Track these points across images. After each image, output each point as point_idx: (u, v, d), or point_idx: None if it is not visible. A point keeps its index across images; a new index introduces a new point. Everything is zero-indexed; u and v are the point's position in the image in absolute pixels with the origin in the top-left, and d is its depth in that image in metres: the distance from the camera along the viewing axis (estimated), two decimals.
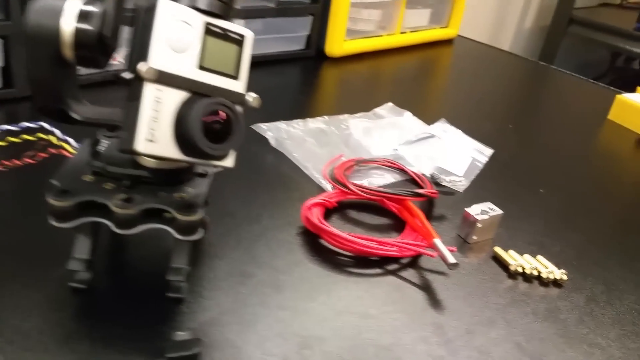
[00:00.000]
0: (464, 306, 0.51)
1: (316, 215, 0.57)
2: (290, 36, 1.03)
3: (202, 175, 0.47)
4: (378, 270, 0.54)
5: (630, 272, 0.59)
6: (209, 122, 0.40)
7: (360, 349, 0.45)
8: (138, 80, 0.38)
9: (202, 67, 0.40)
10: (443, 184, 0.70)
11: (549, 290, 0.55)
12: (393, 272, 0.54)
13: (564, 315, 0.52)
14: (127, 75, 0.39)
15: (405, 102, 0.91)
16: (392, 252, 0.55)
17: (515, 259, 0.57)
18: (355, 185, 0.62)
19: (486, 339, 0.48)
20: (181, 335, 0.42)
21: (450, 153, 0.77)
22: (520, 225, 0.65)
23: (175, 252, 0.45)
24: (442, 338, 0.47)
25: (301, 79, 1.00)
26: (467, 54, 1.32)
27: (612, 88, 1.16)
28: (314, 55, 1.07)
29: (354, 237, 0.54)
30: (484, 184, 0.73)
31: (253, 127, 0.75)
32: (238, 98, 0.42)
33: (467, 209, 0.60)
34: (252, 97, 0.42)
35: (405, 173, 0.70)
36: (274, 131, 0.74)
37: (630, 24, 2.03)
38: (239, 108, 0.42)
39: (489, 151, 0.80)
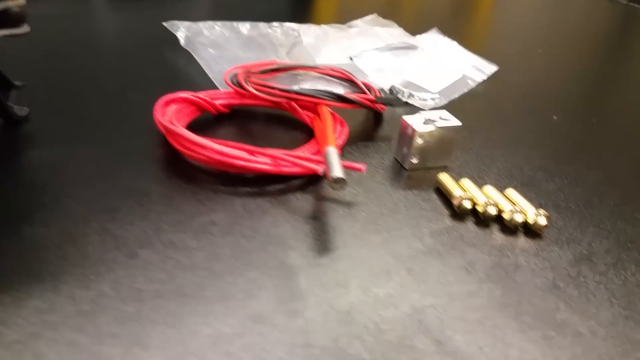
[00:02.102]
0: (351, 249, 0.32)
1: (170, 113, 0.39)
2: None
3: None
4: (245, 190, 0.35)
5: None
6: None
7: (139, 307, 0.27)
8: None
9: None
10: (404, 99, 0.50)
11: (513, 239, 0.34)
12: (262, 195, 0.35)
13: (523, 275, 0.31)
14: None
15: (409, 22, 0.70)
16: (264, 166, 0.36)
17: (466, 189, 0.37)
18: (255, 84, 0.43)
19: (357, 299, 0.28)
20: None
21: (430, 66, 0.56)
22: (507, 154, 0.44)
23: None
24: (289, 292, 0.28)
25: None
26: None
27: None
28: None
29: (210, 141, 0.36)
30: (472, 105, 0.52)
31: (165, 24, 0.58)
32: None
33: (405, 117, 0.40)
34: None
35: (356, 86, 0.51)
36: (190, 31, 0.56)
37: None
38: None
39: (491, 68, 0.58)
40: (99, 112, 0.43)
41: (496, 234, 0.34)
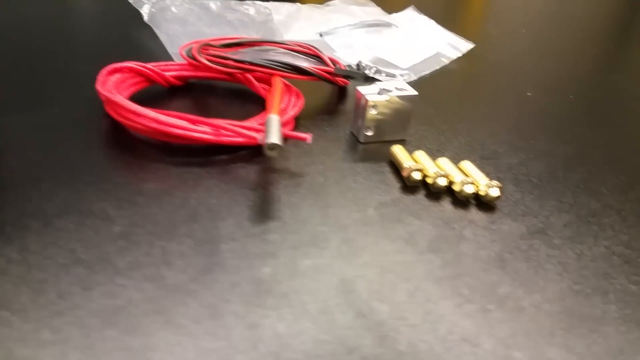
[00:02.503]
0: (287, 220, 0.30)
1: (111, 83, 0.38)
2: None
3: None
4: (184, 160, 0.34)
5: (634, 201, 0.35)
6: None
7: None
8: None
9: None
10: (370, 75, 0.48)
11: (463, 212, 0.32)
12: (202, 166, 0.34)
13: (467, 248, 0.29)
14: None
15: (396, 3, 0.68)
16: (205, 135, 0.34)
17: (418, 161, 0.35)
18: (208, 56, 0.42)
19: (282, 269, 0.26)
20: None
21: (403, 43, 0.54)
22: (471, 129, 0.41)
23: None
24: (210, 262, 0.26)
25: None
26: None
27: None
28: None
29: (147, 109, 0.34)
30: (443, 81, 0.49)
31: (130, 1, 0.57)
32: None
33: (359, 87, 0.38)
34: None
35: (323, 62, 0.49)
36: (155, 7, 0.55)
37: None
38: None
39: (466, 46, 0.56)
40: (45, 84, 0.42)
41: (446, 206, 0.32)
